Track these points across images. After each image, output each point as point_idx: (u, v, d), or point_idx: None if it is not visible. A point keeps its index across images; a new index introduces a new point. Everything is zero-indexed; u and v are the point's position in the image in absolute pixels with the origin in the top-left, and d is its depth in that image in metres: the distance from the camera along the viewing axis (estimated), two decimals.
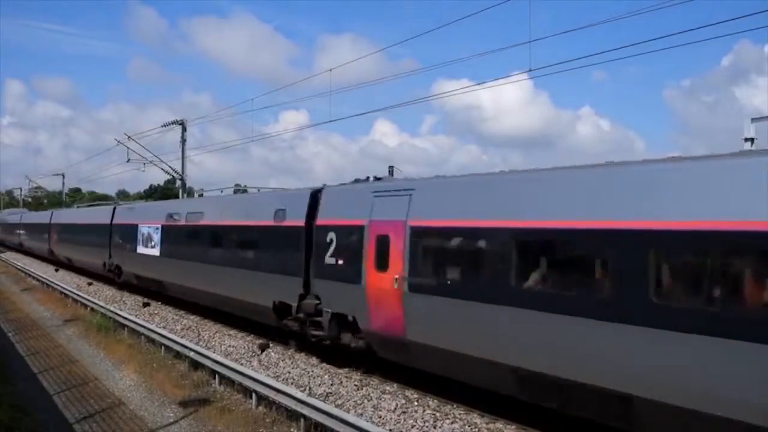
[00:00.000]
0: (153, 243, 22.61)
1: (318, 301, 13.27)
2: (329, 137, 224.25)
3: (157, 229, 22.38)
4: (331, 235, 12.73)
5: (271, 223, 15.09)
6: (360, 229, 11.86)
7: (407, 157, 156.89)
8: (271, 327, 15.59)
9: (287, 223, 14.53)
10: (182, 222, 20.58)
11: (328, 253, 12.74)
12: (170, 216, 21.63)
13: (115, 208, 29.11)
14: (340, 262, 12.44)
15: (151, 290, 24.06)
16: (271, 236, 15.13)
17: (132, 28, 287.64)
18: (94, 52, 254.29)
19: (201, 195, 28.14)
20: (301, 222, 13.94)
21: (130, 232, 24.94)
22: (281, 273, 14.46)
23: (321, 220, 13.36)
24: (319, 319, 13.14)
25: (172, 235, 21.36)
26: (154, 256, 22.47)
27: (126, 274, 26.12)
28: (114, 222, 27.69)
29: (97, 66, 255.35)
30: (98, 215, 31.46)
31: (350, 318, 12.25)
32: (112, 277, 27.61)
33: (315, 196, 13.93)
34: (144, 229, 23.62)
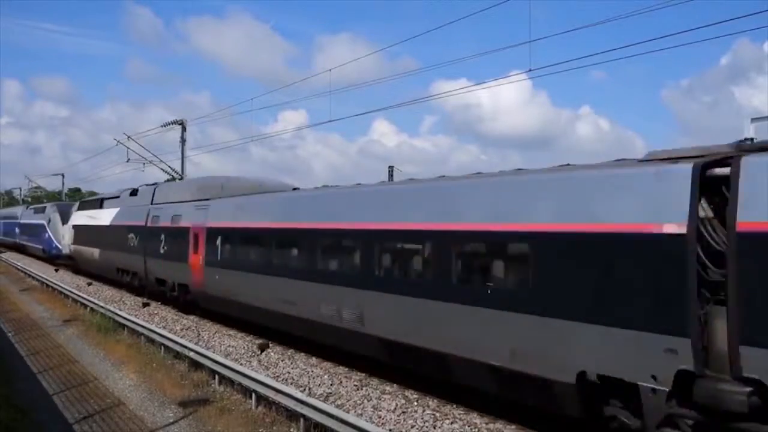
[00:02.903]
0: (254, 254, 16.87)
1: (750, 389, 6.77)
2: (328, 137, 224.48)
3: (263, 233, 16.29)
4: None
5: (570, 227, 8.59)
6: None
7: (406, 158, 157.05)
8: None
9: (617, 227, 8.02)
10: (335, 224, 13.48)
11: None
12: (303, 216, 14.96)
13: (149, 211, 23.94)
14: None
15: (226, 315, 18.72)
16: (575, 253, 8.51)
17: (129, 27, 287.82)
18: (91, 52, 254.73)
19: None
20: (677, 227, 7.34)
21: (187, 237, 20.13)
22: (607, 323, 7.97)
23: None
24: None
25: (305, 244, 14.58)
26: (255, 276, 16.31)
27: (194, 293, 20.22)
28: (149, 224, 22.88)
29: (95, 65, 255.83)
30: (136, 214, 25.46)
31: None
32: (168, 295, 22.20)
33: (707, 170, 7.40)
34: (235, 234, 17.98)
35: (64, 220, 38.39)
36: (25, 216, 51.92)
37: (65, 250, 36.87)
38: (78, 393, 12.58)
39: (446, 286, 10.42)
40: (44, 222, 43.00)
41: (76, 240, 34.17)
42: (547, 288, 8.77)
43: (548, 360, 8.68)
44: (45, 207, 46.23)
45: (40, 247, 43.53)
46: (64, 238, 37.32)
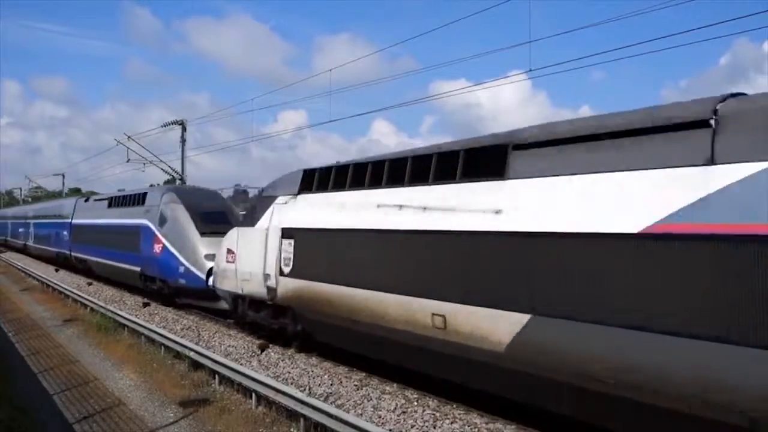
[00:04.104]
0: None
1: None
2: (328, 137, 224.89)
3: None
4: None
5: None
6: None
7: None
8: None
9: None
10: None
11: None
12: None
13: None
14: None
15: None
16: None
17: (129, 28, 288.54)
18: (91, 52, 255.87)
19: None
20: None
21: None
22: None
23: None
24: None
25: None
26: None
27: None
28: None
29: (95, 66, 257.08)
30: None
31: None
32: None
33: None
34: None
35: (197, 218, 20.24)
36: (84, 212, 31.62)
37: (225, 285, 16.60)
38: (78, 393, 12.59)
39: None
40: (148, 223, 22.52)
41: (306, 269, 13.12)
42: None
43: None
44: (143, 194, 24.55)
45: (137, 269, 23.44)
46: (232, 260, 16.00)
